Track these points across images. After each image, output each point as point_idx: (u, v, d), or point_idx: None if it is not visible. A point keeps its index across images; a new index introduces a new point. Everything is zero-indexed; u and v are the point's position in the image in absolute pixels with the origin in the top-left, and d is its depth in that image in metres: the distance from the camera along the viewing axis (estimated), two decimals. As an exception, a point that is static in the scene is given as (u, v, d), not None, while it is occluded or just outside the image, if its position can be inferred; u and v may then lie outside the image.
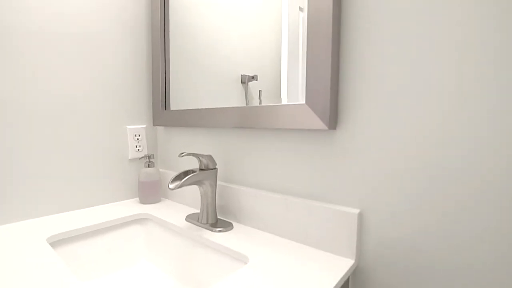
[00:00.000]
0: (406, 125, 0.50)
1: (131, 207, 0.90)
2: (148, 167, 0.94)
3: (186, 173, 0.73)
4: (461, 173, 0.45)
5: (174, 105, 0.93)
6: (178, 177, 0.71)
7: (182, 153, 0.68)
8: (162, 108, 0.95)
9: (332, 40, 0.54)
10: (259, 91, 0.70)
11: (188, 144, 0.92)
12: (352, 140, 0.56)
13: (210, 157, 0.73)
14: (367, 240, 0.56)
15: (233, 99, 0.75)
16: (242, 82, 0.73)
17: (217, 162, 0.83)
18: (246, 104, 0.72)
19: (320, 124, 0.56)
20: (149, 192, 0.93)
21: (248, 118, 0.69)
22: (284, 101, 0.64)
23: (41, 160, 0.78)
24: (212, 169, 0.73)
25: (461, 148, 0.45)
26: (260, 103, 0.69)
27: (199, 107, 0.84)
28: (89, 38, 0.85)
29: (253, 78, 0.71)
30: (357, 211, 0.55)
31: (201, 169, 0.73)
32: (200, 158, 0.72)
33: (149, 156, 0.94)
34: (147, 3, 0.99)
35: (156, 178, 0.95)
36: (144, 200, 0.93)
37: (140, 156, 0.99)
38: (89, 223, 0.75)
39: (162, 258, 0.79)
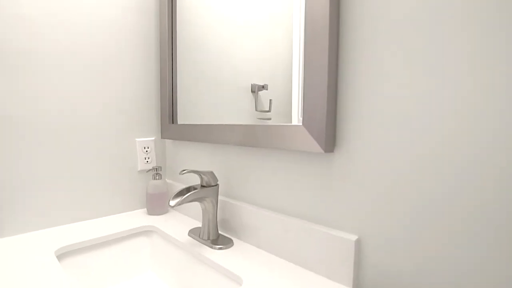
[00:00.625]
0: (406, 149, 0.47)
1: (139, 218, 0.92)
2: (156, 179, 0.96)
3: (188, 189, 0.74)
4: (460, 202, 0.42)
5: (182, 117, 0.94)
6: (180, 193, 0.72)
7: (183, 170, 0.69)
8: (169, 122, 0.97)
9: (328, 60, 0.53)
10: (270, 100, 0.70)
11: (194, 158, 0.93)
12: (350, 163, 0.54)
13: (211, 173, 0.74)
14: (365, 268, 0.54)
15: (243, 108, 0.74)
16: (252, 91, 0.73)
17: (221, 177, 0.84)
18: (256, 112, 0.71)
19: (316, 147, 0.55)
20: (157, 204, 0.95)
21: (249, 137, 0.69)
22: (295, 110, 0.63)
23: (51, 172, 0.82)
24: (213, 186, 0.74)
25: (464, 172, 0.42)
26: (270, 111, 0.68)
27: (208, 118, 0.85)
28: (101, 57, 0.89)
29: (263, 87, 0.71)
30: (354, 237, 0.54)
31: (202, 186, 0.73)
32: (202, 175, 0.73)
33: (156, 168, 0.96)
34: (156, 21, 1.01)
35: (163, 190, 0.97)
36: (151, 212, 0.96)
37: (149, 168, 1.02)
38: (97, 235, 0.78)
39: (165, 270, 0.80)
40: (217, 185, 0.75)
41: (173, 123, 0.97)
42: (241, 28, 0.74)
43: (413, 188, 0.47)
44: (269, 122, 0.68)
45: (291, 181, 0.65)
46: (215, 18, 0.81)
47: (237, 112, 0.76)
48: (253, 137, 0.68)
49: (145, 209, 1.02)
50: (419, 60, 0.45)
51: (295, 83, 0.63)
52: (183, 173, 0.69)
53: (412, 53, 0.46)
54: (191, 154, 0.94)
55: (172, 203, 0.68)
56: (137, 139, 0.99)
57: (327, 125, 0.54)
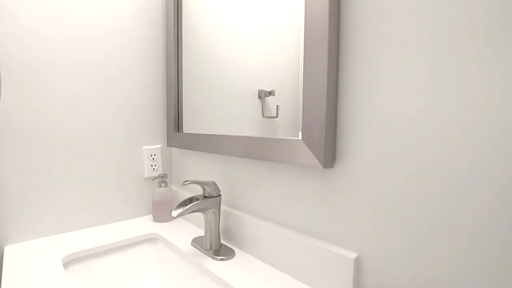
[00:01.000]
0: (409, 164, 0.46)
1: (145, 225, 0.94)
2: (161, 187, 0.97)
3: (190, 199, 0.74)
4: (462, 220, 0.41)
5: (188, 124, 0.95)
6: (183, 204, 0.73)
7: (186, 181, 0.70)
8: (175, 131, 0.98)
9: (328, 69, 0.52)
10: (277, 106, 0.70)
11: (199, 166, 0.94)
12: (350, 179, 0.54)
13: (213, 184, 0.74)
14: (365, 286, 0.53)
15: (250, 115, 0.74)
16: (259, 97, 0.73)
17: (224, 186, 0.84)
18: (263, 118, 0.71)
19: (315, 162, 0.54)
20: (162, 211, 0.97)
21: (251, 149, 0.69)
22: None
23: (58, 179, 0.84)
24: (215, 196, 0.74)
25: (466, 188, 0.41)
26: (277, 117, 0.68)
27: (214, 126, 0.85)
28: (109, 67, 0.91)
29: (270, 93, 0.70)
30: (354, 255, 0.53)
31: (205, 196, 0.74)
32: (204, 186, 0.73)
33: (162, 176, 0.98)
34: (162, 30, 1.03)
35: (169, 197, 0.98)
36: (157, 219, 0.97)
37: (156, 175, 1.03)
38: (104, 242, 0.80)
39: (170, 278, 0.81)
40: (219, 195, 0.75)
41: (178, 131, 0.99)
42: (247, 34, 0.73)
43: (414, 205, 0.46)
44: (277, 132, 0.67)
45: (293, 195, 0.65)
46: (221, 26, 0.81)
47: (243, 118, 0.76)
48: (255, 150, 0.68)
49: (151, 215, 1.04)
50: (419, 63, 0.44)
51: (302, 87, 0.62)
52: (186, 184, 0.70)
53: (412, 55, 0.45)
54: (196, 162, 0.95)
55: (174, 214, 0.69)
56: (144, 147, 1.01)
57: (326, 140, 0.53)
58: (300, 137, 0.59)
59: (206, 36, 0.86)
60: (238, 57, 0.76)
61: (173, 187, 1.07)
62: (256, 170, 0.73)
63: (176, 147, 0.98)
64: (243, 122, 0.76)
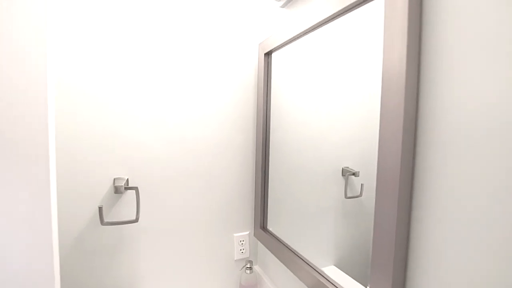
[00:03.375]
0: None
1: (233, 305, 1.11)
2: (247, 273, 1.13)
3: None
4: None
5: (272, 217, 1.07)
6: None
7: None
8: (260, 227, 1.13)
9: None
10: (361, 184, 0.69)
11: (278, 266, 1.05)
12: None
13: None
14: None
15: (331, 196, 0.77)
16: (343, 175, 0.74)
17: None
18: (345, 200, 0.72)
19: None
20: (248, 294, 1.12)
21: (317, 285, 0.76)
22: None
23: (174, 262, 1.10)
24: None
25: None
26: (361, 196, 0.68)
27: (295, 214, 0.92)
28: (207, 175, 1.13)
29: (354, 174, 0.70)
30: None
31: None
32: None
33: (248, 262, 1.13)
34: (253, 133, 1.19)
35: (253, 282, 1.13)
36: (244, 300, 1.13)
37: (243, 257, 1.20)
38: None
39: None
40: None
41: (263, 227, 1.12)
42: (332, 116, 0.76)
43: None
44: (361, 209, 0.67)
45: None
46: (308, 110, 0.86)
47: (323, 200, 0.79)
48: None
49: (239, 291, 1.21)
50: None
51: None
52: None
53: None
54: (276, 262, 1.07)
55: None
56: (235, 234, 1.19)
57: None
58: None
59: (292, 129, 0.94)
60: (323, 138, 0.79)
61: (258, 268, 1.22)
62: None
63: (260, 241, 1.11)
64: (323, 207, 0.79)
